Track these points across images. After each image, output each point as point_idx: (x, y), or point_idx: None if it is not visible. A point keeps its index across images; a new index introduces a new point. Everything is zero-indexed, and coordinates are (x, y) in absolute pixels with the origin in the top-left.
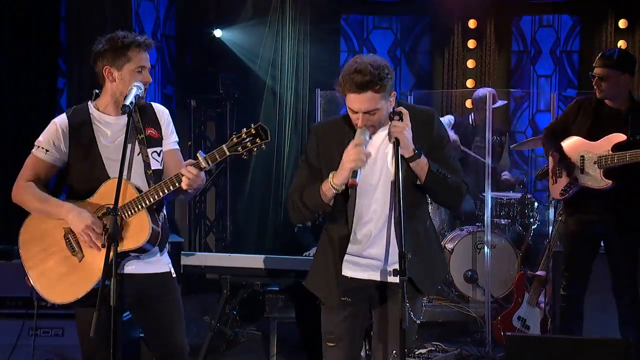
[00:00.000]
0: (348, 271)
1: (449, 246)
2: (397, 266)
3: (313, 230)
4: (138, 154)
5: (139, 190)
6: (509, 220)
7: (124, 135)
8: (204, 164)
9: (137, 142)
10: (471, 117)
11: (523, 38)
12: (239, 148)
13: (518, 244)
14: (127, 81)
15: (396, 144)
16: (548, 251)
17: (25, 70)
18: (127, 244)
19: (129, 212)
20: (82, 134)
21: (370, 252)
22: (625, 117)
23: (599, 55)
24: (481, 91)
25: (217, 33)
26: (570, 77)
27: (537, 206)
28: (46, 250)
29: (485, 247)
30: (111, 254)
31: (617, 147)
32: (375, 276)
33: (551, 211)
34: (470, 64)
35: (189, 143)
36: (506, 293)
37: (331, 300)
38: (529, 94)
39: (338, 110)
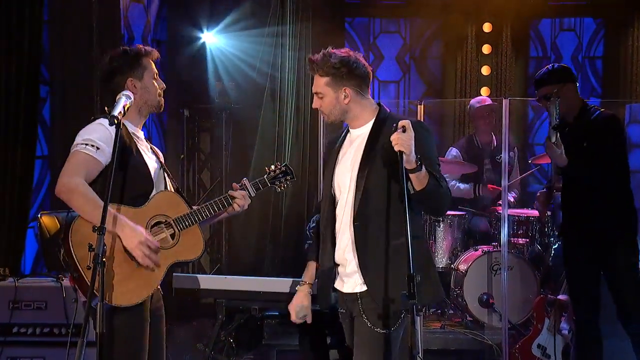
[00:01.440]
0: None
1: (462, 267)
2: (354, 277)
3: None
4: (161, 169)
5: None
6: (528, 240)
7: (149, 147)
8: (252, 193)
9: (158, 160)
10: (475, 138)
11: (542, 43)
12: (276, 182)
13: (537, 265)
14: (150, 89)
15: (401, 157)
16: None
17: (4, 78)
18: (183, 255)
19: (183, 225)
20: (125, 142)
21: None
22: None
23: (533, 82)
24: (481, 100)
25: (208, 37)
26: (594, 84)
27: (558, 224)
28: None
29: (502, 269)
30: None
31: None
32: (339, 286)
33: None
34: (485, 70)
35: (182, 156)
36: (524, 319)
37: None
38: None
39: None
